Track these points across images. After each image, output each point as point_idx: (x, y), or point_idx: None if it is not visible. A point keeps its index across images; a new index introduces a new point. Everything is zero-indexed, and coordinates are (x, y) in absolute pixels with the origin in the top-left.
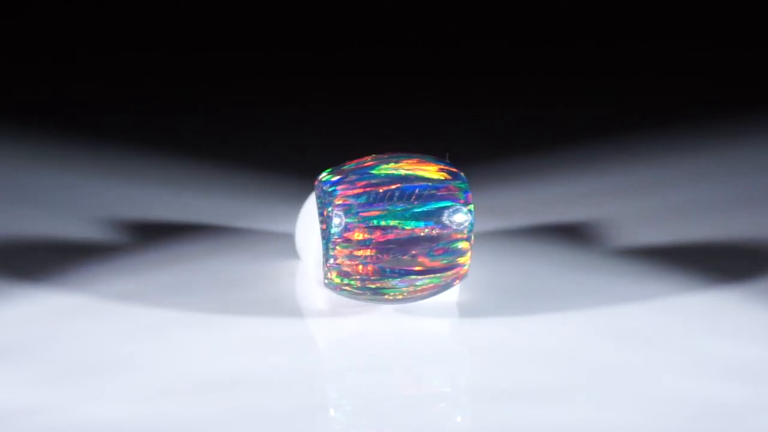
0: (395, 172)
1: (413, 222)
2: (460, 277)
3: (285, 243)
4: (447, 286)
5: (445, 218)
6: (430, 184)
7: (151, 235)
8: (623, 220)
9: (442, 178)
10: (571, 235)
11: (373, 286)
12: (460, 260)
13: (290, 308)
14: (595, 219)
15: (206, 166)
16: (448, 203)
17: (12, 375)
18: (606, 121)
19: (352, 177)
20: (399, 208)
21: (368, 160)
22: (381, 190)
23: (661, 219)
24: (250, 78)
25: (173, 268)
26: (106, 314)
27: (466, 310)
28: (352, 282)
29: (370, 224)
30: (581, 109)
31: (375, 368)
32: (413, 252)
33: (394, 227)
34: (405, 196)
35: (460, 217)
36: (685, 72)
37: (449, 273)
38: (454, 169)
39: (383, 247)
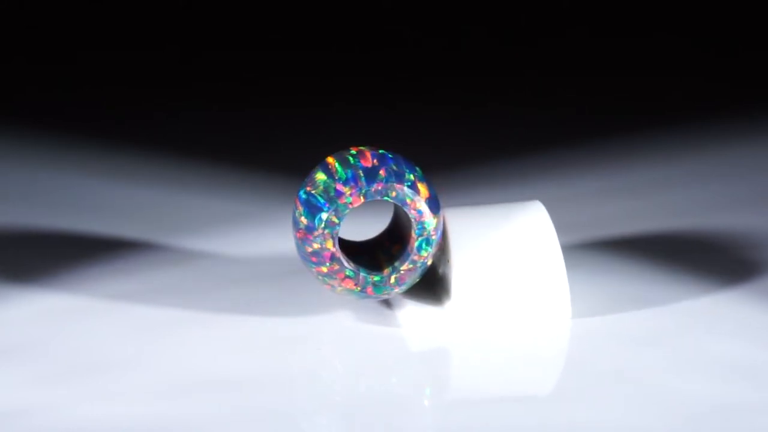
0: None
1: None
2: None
3: (284, 243)
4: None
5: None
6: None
7: (151, 235)
8: (623, 220)
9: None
10: (570, 234)
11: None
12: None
13: (297, 308)
14: (595, 219)
15: (206, 167)
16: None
17: (12, 375)
18: (606, 121)
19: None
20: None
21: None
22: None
23: (660, 219)
24: (250, 78)
25: (173, 268)
26: (106, 314)
27: (457, 314)
28: None
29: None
30: (581, 109)
31: (372, 368)
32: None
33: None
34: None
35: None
36: (685, 72)
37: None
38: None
39: None
